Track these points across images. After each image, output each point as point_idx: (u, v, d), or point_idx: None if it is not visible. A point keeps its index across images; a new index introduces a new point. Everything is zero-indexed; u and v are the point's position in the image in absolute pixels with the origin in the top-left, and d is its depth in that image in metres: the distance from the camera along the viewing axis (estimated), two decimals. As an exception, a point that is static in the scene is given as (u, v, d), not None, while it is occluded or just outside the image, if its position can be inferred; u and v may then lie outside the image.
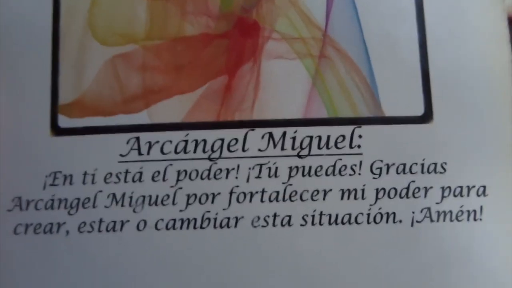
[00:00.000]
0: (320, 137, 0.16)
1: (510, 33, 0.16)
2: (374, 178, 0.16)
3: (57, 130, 0.16)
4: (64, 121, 0.16)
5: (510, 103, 0.16)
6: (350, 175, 0.16)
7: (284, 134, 0.16)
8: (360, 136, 0.16)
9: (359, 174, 0.16)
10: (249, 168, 0.16)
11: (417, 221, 0.15)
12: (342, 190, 0.15)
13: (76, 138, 0.16)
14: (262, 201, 0.15)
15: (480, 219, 0.16)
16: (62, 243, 0.15)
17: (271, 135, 0.16)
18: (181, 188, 0.15)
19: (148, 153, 0.16)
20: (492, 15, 0.17)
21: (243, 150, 0.16)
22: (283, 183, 0.15)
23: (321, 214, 0.15)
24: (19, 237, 0.16)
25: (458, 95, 0.16)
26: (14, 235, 0.16)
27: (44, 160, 0.16)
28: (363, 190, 0.15)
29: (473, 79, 0.16)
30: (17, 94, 0.16)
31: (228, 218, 0.15)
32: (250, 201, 0.15)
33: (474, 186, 0.16)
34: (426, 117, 0.16)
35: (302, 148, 0.16)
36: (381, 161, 0.16)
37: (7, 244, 0.16)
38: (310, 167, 0.16)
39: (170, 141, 0.16)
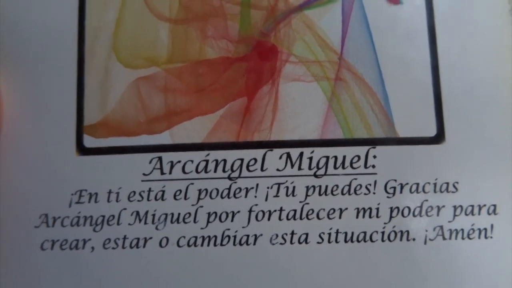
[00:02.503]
0: (336, 157, 0.16)
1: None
2: (388, 197, 0.16)
3: (82, 150, 0.17)
4: (89, 141, 0.17)
5: (520, 124, 0.17)
6: (365, 194, 0.16)
7: (301, 154, 0.16)
8: (374, 157, 0.16)
9: (374, 193, 0.16)
10: (268, 187, 0.16)
11: (430, 239, 0.16)
12: (358, 208, 0.16)
13: (101, 157, 0.16)
14: (280, 219, 0.16)
15: (491, 237, 0.16)
16: (88, 259, 0.16)
17: (288, 155, 0.16)
18: (202, 206, 0.16)
19: (170, 173, 0.16)
20: (504, 38, 0.17)
21: (262, 169, 0.16)
22: (300, 202, 0.16)
23: (337, 232, 0.16)
24: (46, 252, 0.16)
25: (469, 116, 0.17)
26: (41, 251, 0.16)
27: (70, 179, 0.16)
28: (377, 209, 0.16)
29: (484, 101, 0.17)
30: (44, 115, 0.17)
31: (247, 236, 0.16)
32: (269, 219, 0.16)
33: (485, 205, 0.16)
34: (439, 137, 0.16)
35: (318, 168, 0.16)
36: (395, 180, 0.16)
37: (34, 259, 0.16)
38: (326, 187, 0.16)
39: (192, 161, 0.16)
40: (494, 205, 0.16)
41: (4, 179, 0.17)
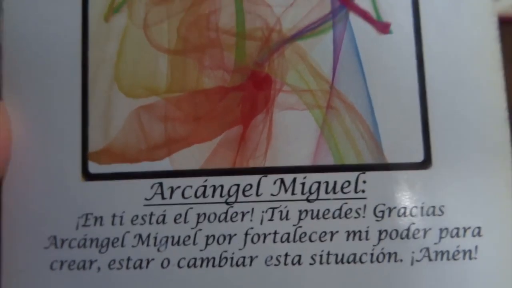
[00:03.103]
0: (327, 183, 0.17)
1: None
2: (377, 220, 0.17)
3: (87, 176, 0.18)
4: (94, 167, 0.18)
5: (505, 149, 0.17)
6: (355, 217, 0.17)
7: (294, 180, 0.17)
8: (364, 182, 0.17)
9: (363, 217, 0.17)
10: (263, 212, 0.17)
11: (416, 260, 0.17)
12: (348, 231, 0.17)
13: (105, 183, 0.17)
14: (274, 241, 0.17)
15: (475, 258, 0.17)
16: (94, 278, 0.17)
17: (282, 181, 0.17)
18: (200, 229, 0.17)
19: (171, 197, 0.17)
20: (491, 66, 0.18)
21: (257, 194, 0.17)
22: (293, 225, 0.17)
23: (328, 254, 0.17)
24: (55, 272, 0.17)
25: (456, 142, 0.17)
26: (51, 271, 0.17)
27: (77, 203, 0.17)
28: (367, 232, 0.17)
29: (470, 128, 0.17)
30: (51, 143, 0.18)
31: (244, 257, 0.17)
32: (264, 241, 0.17)
33: (470, 227, 0.17)
34: (426, 163, 0.17)
35: (311, 193, 0.17)
36: (384, 204, 0.17)
37: (44, 279, 0.17)
38: (318, 211, 0.17)
39: (191, 186, 0.17)
40: (479, 227, 0.17)
41: (15, 203, 0.18)
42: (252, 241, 0.17)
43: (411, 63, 0.18)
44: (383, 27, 0.18)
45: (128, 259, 0.17)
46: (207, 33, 0.18)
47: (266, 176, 0.17)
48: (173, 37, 0.18)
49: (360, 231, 0.17)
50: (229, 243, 0.17)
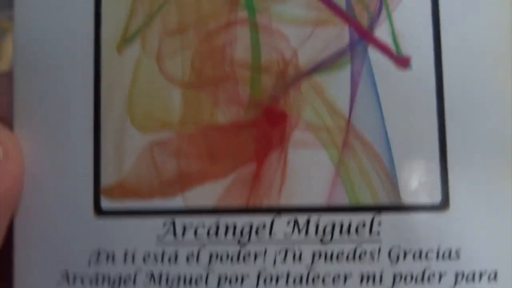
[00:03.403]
0: (342, 224, 0.17)
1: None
2: (391, 263, 0.17)
3: (99, 212, 0.17)
4: (106, 203, 0.17)
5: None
6: (369, 260, 0.17)
7: (308, 220, 0.17)
8: (379, 223, 0.17)
9: (378, 259, 0.17)
10: (276, 252, 0.17)
11: (431, 305, 0.17)
12: (362, 274, 0.17)
13: (117, 219, 0.17)
14: (287, 283, 0.17)
15: (491, 303, 0.17)
16: (106, 314, 0.17)
17: (296, 221, 0.17)
18: (213, 270, 0.17)
19: (183, 236, 0.17)
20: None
21: (270, 234, 0.17)
22: (306, 267, 0.17)
23: (341, 296, 0.17)
24: (67, 307, 0.17)
25: (475, 183, 0.17)
26: (63, 305, 0.17)
27: (89, 239, 0.17)
28: (381, 275, 0.17)
29: (490, 168, 0.17)
30: (63, 178, 0.18)
31: (256, 298, 0.17)
32: (277, 283, 0.17)
33: (486, 271, 0.17)
34: (443, 205, 0.17)
35: (324, 234, 0.17)
36: (399, 247, 0.17)
37: (56, 313, 0.17)
38: (332, 252, 0.17)
39: (203, 225, 0.17)
40: (495, 272, 0.17)
41: (27, 238, 0.18)
42: (264, 282, 0.17)
43: (431, 100, 0.17)
44: (403, 62, 0.17)
45: (140, 296, 0.17)
46: (222, 66, 0.18)
47: (279, 215, 0.17)
48: (187, 69, 0.18)
49: (374, 275, 0.17)
50: (242, 284, 0.17)
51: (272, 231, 0.17)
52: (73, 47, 0.18)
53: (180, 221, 0.17)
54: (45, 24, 0.18)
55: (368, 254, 0.17)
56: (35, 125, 0.18)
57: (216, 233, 0.17)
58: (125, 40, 0.18)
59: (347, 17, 0.18)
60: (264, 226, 0.17)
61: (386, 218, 0.17)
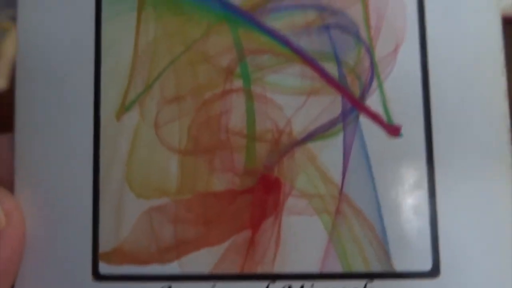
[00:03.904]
0: (335, 291, 0.17)
1: None
2: (383, 330, 0.17)
3: (98, 276, 0.18)
4: (104, 268, 0.18)
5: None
6: (361, 327, 0.17)
7: (302, 287, 0.17)
8: (371, 290, 0.17)
9: (370, 326, 0.17)
10: (270, 319, 0.17)
11: None
12: None
13: (115, 284, 0.18)
14: None
15: None
16: None
17: (290, 288, 0.17)
18: (208, 336, 0.17)
19: (179, 302, 0.17)
20: (502, 185, 0.18)
21: (265, 301, 0.17)
22: (300, 334, 0.17)
23: None
24: None
25: (465, 251, 0.17)
26: None
27: (87, 303, 0.18)
28: None
29: (480, 236, 0.17)
30: (62, 242, 0.18)
31: None
32: None
33: (476, 337, 0.17)
34: (434, 272, 0.17)
35: (318, 301, 0.17)
36: (391, 314, 0.17)
37: None
38: (325, 319, 0.17)
39: (199, 291, 0.17)
40: (485, 338, 0.17)
41: (27, 301, 0.18)
42: None
43: (421, 167, 0.18)
44: (394, 131, 0.18)
45: None
46: (218, 134, 0.18)
47: (274, 282, 0.17)
48: (184, 137, 0.18)
49: None
50: None
51: (267, 298, 0.17)
52: (73, 114, 0.18)
53: (176, 286, 0.17)
54: (46, 94, 0.19)
55: (360, 321, 0.17)
56: (36, 189, 0.18)
57: (212, 299, 0.17)
58: (124, 108, 0.18)
59: (340, 86, 0.18)
60: (258, 293, 0.17)
61: (379, 285, 0.17)
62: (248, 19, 0.19)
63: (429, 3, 0.18)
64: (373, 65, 0.18)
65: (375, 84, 0.18)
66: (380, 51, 0.18)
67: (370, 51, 0.18)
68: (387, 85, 0.18)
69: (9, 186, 0.19)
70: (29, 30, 0.19)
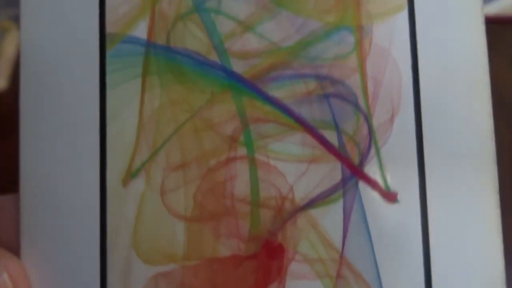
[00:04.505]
0: None
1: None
2: None
3: None
4: (113, 333, 0.18)
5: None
6: None
7: None
8: None
9: None
10: None
11: None
12: None
13: None
14: None
15: None
16: None
17: None
18: None
19: None
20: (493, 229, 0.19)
21: None
22: None
23: None
24: None
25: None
26: None
27: None
28: None
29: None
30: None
31: None
32: None
33: None
34: (429, 332, 0.18)
35: None
36: None
37: None
38: None
39: None
40: None
41: None
42: None
43: (416, 232, 0.19)
44: (391, 197, 0.19)
45: None
46: (223, 201, 0.19)
47: None
48: (190, 204, 0.19)
49: None
50: None
51: None
52: (79, 181, 0.19)
53: None
54: (52, 158, 0.19)
55: None
56: (43, 254, 0.19)
57: None
58: (130, 174, 0.19)
59: (339, 154, 0.19)
60: None
61: None
62: (252, 88, 0.19)
63: (423, 72, 0.19)
64: (371, 133, 0.19)
65: (373, 151, 0.19)
66: (378, 119, 0.19)
67: (368, 119, 0.19)
68: (384, 152, 0.19)
69: (15, 250, 0.19)
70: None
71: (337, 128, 0.19)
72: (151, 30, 0.19)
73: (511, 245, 0.20)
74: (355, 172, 0.19)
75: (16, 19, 0.19)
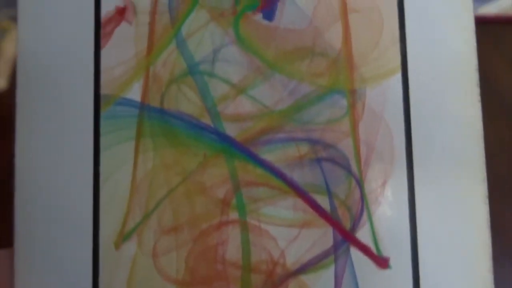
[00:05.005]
0: None
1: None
2: None
3: None
4: None
5: None
6: None
7: None
8: None
9: None
10: None
11: None
12: None
13: None
14: None
15: None
16: None
17: None
18: None
19: None
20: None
21: None
22: None
23: None
24: None
25: None
26: None
27: None
28: None
29: None
30: None
31: None
32: None
33: None
34: None
35: None
36: None
37: None
38: None
39: None
40: None
41: None
42: None
43: (408, 296, 0.19)
44: (383, 263, 0.19)
45: None
46: (214, 265, 0.19)
47: None
48: (181, 267, 0.19)
49: None
50: None
51: None
52: (71, 243, 0.19)
53: None
54: (45, 220, 0.19)
55: None
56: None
57: None
58: (122, 237, 0.19)
59: (331, 219, 0.19)
60: None
61: None
62: (244, 151, 0.19)
63: (416, 138, 0.19)
64: (363, 197, 0.19)
65: (365, 216, 0.19)
66: (370, 183, 0.19)
67: (360, 184, 0.19)
68: (376, 217, 0.19)
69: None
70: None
71: (329, 192, 0.19)
72: (145, 92, 0.19)
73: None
74: (346, 237, 0.19)
75: (16, 20, 0.19)
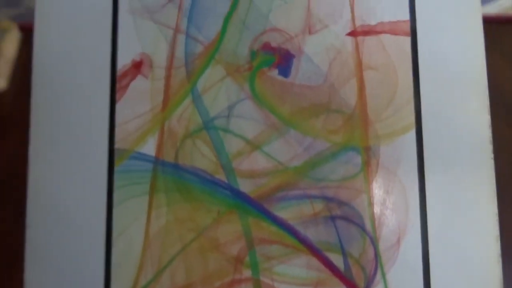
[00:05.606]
0: None
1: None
2: None
3: None
4: None
5: None
6: None
7: None
8: None
9: None
10: None
11: None
12: None
13: None
14: None
15: None
16: None
17: None
18: None
19: None
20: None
21: None
22: None
23: None
24: None
25: None
26: None
27: None
28: None
29: None
30: None
31: None
32: None
33: None
34: None
35: None
36: None
37: None
38: None
39: None
40: None
41: None
42: None
43: None
44: (396, 323, 0.19)
45: None
46: (226, 324, 0.19)
47: None
48: (193, 325, 0.19)
49: None
50: None
51: None
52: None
53: None
54: (56, 278, 0.19)
55: None
56: None
57: None
58: (134, 294, 0.19)
59: (345, 279, 0.19)
60: None
61: None
62: (258, 208, 0.19)
63: (430, 198, 0.19)
64: (377, 256, 0.19)
65: (379, 275, 0.19)
66: (384, 242, 0.19)
67: (374, 243, 0.19)
68: (390, 276, 0.19)
69: None
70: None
71: (343, 251, 0.19)
72: (159, 147, 0.19)
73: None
74: (359, 297, 0.19)
75: (15, 19, 0.19)
